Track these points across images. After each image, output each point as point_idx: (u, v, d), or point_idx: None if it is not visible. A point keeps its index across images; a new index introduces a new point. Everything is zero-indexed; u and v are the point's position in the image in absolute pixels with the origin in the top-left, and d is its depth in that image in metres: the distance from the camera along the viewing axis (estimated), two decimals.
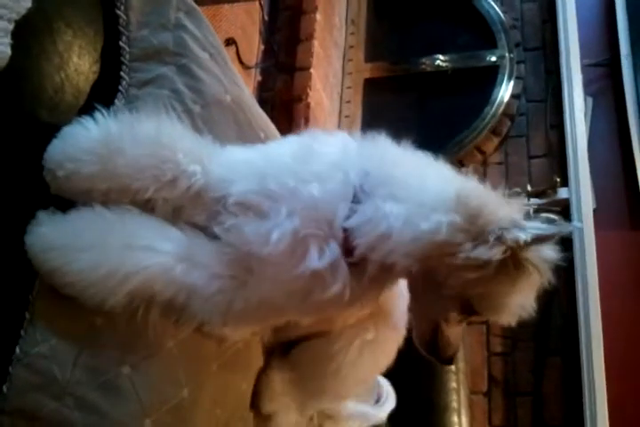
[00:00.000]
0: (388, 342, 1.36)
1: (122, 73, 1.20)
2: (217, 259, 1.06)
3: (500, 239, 0.93)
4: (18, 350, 0.96)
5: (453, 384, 2.25)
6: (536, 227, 0.94)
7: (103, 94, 1.16)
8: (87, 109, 1.10)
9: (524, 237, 0.92)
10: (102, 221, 1.02)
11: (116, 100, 1.17)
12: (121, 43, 1.21)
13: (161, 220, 1.07)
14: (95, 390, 0.98)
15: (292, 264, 1.01)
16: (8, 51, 0.97)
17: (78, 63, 1.15)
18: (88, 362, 0.98)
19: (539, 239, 0.93)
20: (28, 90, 1.07)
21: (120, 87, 1.18)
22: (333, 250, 1.02)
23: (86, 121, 1.06)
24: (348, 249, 1.02)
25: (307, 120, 3.05)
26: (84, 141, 1.03)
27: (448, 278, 0.98)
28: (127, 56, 1.21)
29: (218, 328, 1.09)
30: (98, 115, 1.07)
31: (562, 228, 0.95)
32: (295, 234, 1.00)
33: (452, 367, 2.23)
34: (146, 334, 1.03)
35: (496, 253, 0.93)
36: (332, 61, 3.56)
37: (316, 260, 1.00)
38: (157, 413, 1.03)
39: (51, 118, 1.09)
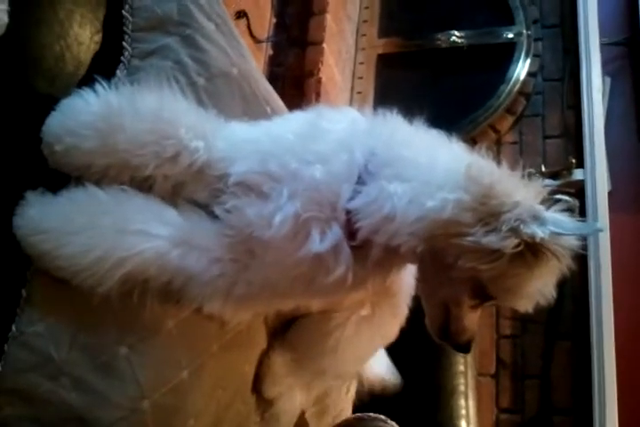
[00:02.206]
0: (386, 321, 1.34)
1: (124, 43, 1.16)
2: (217, 242, 1.03)
3: (515, 231, 0.89)
4: (14, 328, 0.94)
5: (461, 367, 2.22)
6: (556, 223, 0.90)
7: (104, 65, 1.13)
8: (88, 81, 1.07)
9: (541, 234, 0.89)
10: (95, 203, 0.99)
11: (117, 72, 1.13)
12: (124, 12, 1.18)
13: (158, 201, 1.04)
14: (92, 370, 0.96)
15: (293, 248, 0.98)
16: (5, 18, 0.94)
17: (79, 32, 1.12)
18: (85, 342, 0.97)
19: (557, 236, 0.90)
20: (26, 59, 1.04)
21: (122, 58, 1.15)
22: (335, 233, 0.98)
23: (86, 93, 1.03)
24: (350, 232, 0.99)
25: (318, 96, 2.99)
26: (84, 115, 1.01)
27: (458, 260, 0.93)
28: (130, 26, 1.18)
29: (218, 311, 1.07)
30: (98, 87, 1.04)
31: (584, 229, 0.92)
32: (296, 217, 0.97)
33: None
34: (143, 315, 1.01)
35: (508, 245, 0.89)
36: (345, 36, 3.48)
37: (317, 243, 0.97)
38: (156, 394, 1.01)
39: (50, 90, 1.06)
